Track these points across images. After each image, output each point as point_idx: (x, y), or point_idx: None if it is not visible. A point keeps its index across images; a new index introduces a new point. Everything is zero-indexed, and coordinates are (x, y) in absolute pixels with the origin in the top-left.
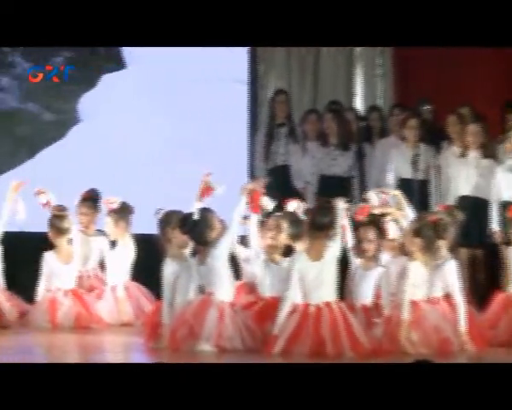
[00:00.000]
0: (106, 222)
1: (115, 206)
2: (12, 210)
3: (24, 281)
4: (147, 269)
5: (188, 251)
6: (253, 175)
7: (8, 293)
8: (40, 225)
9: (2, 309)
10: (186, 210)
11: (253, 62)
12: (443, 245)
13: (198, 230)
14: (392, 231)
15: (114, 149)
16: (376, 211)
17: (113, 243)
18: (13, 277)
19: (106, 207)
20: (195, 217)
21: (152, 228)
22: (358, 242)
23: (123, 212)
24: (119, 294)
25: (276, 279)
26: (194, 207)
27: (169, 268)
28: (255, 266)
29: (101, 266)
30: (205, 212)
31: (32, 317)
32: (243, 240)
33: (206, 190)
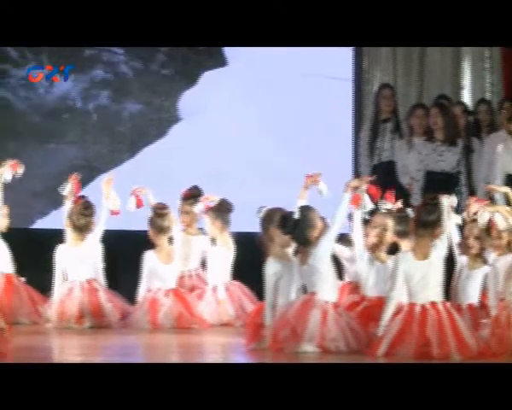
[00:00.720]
0: (205, 220)
1: (212, 204)
2: (109, 206)
3: (125, 281)
4: (250, 269)
5: (291, 250)
6: (357, 172)
7: (110, 293)
8: (141, 224)
9: (104, 310)
10: (289, 208)
11: (358, 57)
12: None
13: (299, 229)
14: (500, 228)
15: (215, 147)
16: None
17: (214, 242)
18: (114, 276)
19: (204, 205)
20: (296, 216)
21: (255, 226)
22: (464, 238)
23: (220, 210)
24: (219, 294)
25: (381, 279)
26: (297, 205)
27: (271, 268)
28: (359, 265)
29: (204, 265)
30: (306, 210)
31: (133, 318)
32: (344, 238)
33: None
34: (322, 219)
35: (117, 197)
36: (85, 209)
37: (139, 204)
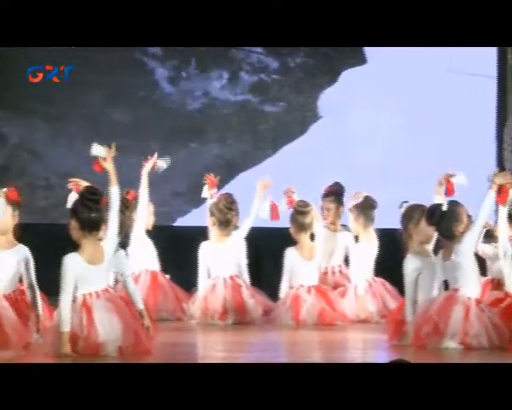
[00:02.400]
0: (348, 217)
1: (358, 201)
2: (259, 208)
3: (268, 277)
4: (392, 265)
5: (431, 247)
6: (502, 168)
7: (253, 289)
8: (283, 221)
9: (247, 306)
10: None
11: (502, 54)
12: None
13: (445, 222)
14: None
15: (356, 144)
16: None
17: (357, 239)
18: (257, 273)
19: (350, 201)
20: (444, 209)
21: (396, 223)
22: None
23: (364, 206)
24: (359, 290)
25: None
26: (436, 202)
27: (411, 264)
28: (502, 262)
29: (346, 261)
30: (454, 205)
31: (276, 314)
32: (488, 234)
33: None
34: (469, 216)
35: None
36: (230, 204)
37: (291, 204)
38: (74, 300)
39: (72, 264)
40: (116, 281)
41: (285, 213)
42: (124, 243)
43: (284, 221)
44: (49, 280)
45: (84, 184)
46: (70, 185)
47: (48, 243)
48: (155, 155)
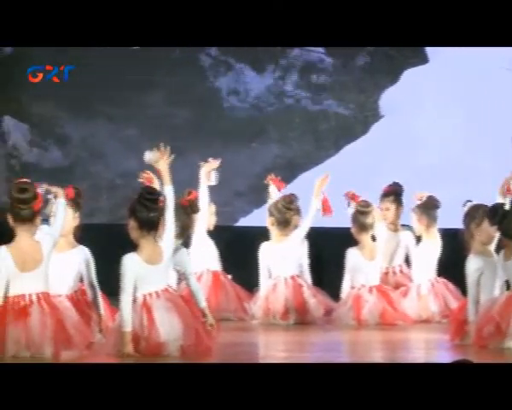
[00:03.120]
0: (411, 217)
1: (421, 200)
2: (317, 207)
3: (329, 277)
4: (455, 265)
5: (492, 247)
6: None
7: (314, 289)
8: (344, 221)
9: (308, 306)
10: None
11: None
12: None
13: (507, 222)
14: None
15: (416, 143)
16: None
17: (419, 239)
18: (318, 273)
19: (414, 201)
20: (507, 207)
21: (457, 223)
22: None
23: (427, 206)
24: (422, 291)
25: None
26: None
27: (473, 264)
28: None
29: (408, 262)
30: None
31: (337, 314)
32: None
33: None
34: None
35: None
36: (288, 204)
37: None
38: (135, 300)
39: (131, 264)
40: (179, 279)
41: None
42: (186, 243)
43: (345, 221)
44: (112, 280)
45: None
46: (142, 178)
47: (110, 243)
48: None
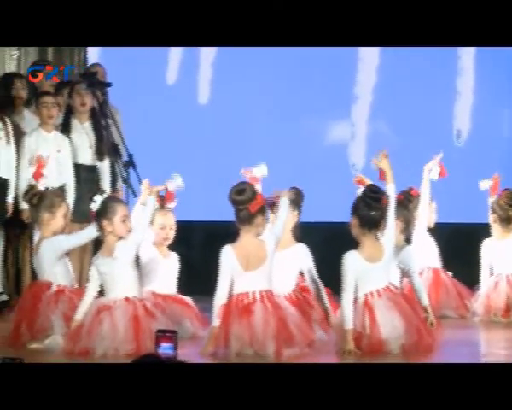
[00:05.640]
0: None
1: None
2: None
3: None
4: None
5: None
6: None
7: None
8: None
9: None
10: None
11: None
12: None
13: None
14: None
15: None
16: None
17: None
18: None
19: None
20: None
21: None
22: None
23: None
24: None
25: None
26: None
27: None
28: None
29: None
30: None
31: None
32: None
33: None
34: None
35: None
36: (511, 201)
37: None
38: (356, 299)
39: (352, 262)
40: (402, 277)
41: None
42: (407, 240)
43: None
44: (333, 279)
45: (368, 181)
46: (355, 181)
47: (329, 242)
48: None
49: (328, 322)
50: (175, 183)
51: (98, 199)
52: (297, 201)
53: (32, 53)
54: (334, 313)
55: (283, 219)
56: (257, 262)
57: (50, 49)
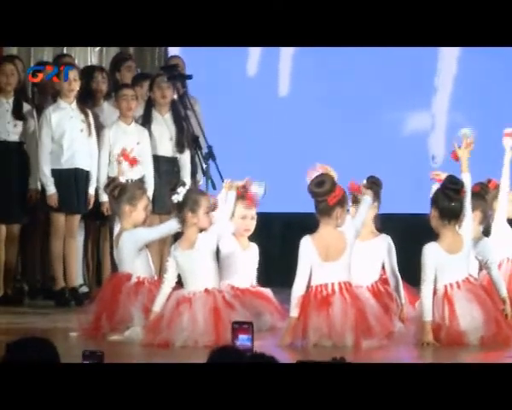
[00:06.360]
0: None
1: None
2: None
3: None
4: None
5: None
6: None
7: None
8: None
9: None
10: None
11: None
12: None
13: None
14: None
15: None
16: None
17: None
18: None
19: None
20: None
21: None
22: None
23: None
24: None
25: None
26: None
27: None
28: None
29: None
30: None
31: None
32: None
33: None
34: None
35: None
36: None
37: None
38: (435, 291)
39: (432, 253)
40: (480, 269)
41: None
42: (486, 232)
43: None
44: (412, 270)
45: (444, 175)
46: (432, 176)
47: (410, 233)
48: None
49: (400, 316)
50: (257, 188)
51: (181, 191)
52: (376, 191)
53: None
54: (411, 305)
55: (364, 216)
56: (336, 253)
57: None
